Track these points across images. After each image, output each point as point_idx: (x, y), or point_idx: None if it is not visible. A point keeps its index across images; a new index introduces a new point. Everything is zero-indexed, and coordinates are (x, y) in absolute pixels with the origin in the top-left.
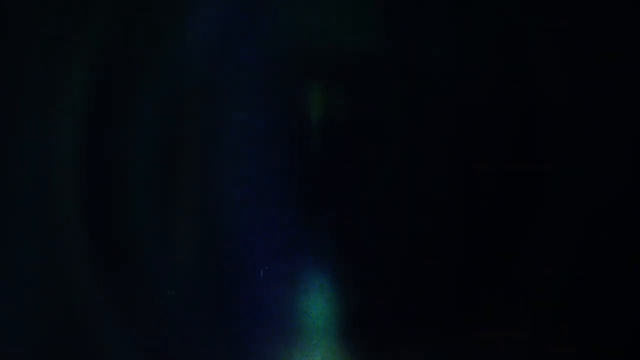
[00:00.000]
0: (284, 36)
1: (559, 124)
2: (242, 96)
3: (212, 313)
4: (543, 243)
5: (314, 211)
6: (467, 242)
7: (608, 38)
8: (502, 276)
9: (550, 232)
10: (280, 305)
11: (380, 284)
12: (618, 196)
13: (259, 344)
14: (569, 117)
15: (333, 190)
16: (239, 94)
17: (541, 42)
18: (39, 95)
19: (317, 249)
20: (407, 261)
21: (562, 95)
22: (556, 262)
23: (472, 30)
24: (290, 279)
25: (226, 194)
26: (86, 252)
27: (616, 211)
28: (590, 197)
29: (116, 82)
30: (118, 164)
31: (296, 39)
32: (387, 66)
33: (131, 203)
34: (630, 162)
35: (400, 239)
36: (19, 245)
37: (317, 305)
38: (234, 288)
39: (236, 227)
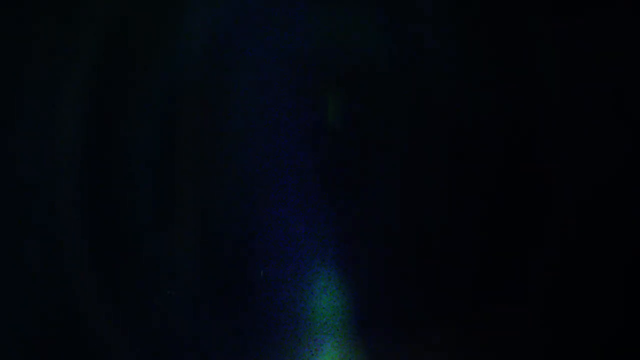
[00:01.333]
0: (293, 40)
1: (559, 123)
2: (245, 97)
3: (215, 313)
4: (544, 243)
5: (319, 211)
6: (470, 242)
7: (608, 38)
8: (504, 276)
9: (550, 232)
10: (285, 305)
11: (383, 284)
12: (618, 195)
13: (264, 343)
14: (569, 117)
15: (338, 191)
16: (242, 95)
17: (542, 43)
18: (39, 96)
19: (322, 249)
20: (410, 261)
21: (562, 95)
22: (557, 262)
23: (473, 33)
24: (294, 279)
25: (228, 195)
26: (87, 253)
27: (616, 210)
28: (590, 196)
29: (118, 82)
30: (119, 165)
31: (306, 43)
32: (392, 70)
33: (133, 203)
34: (630, 162)
35: (404, 240)
36: (20, 246)
37: (320, 304)
38: (238, 288)
39: (239, 228)
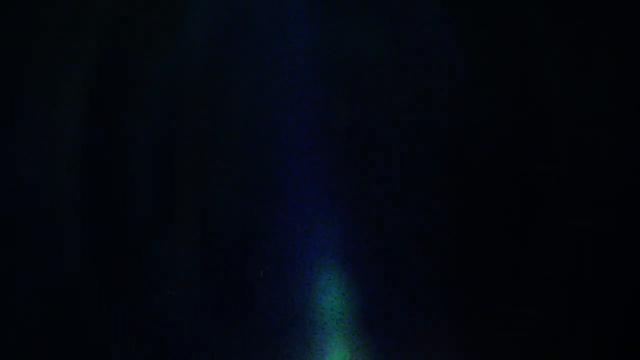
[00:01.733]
0: (294, 40)
1: (559, 124)
2: (246, 97)
3: (215, 314)
4: (544, 243)
5: (319, 211)
6: (471, 242)
7: (608, 38)
8: (505, 276)
9: (551, 232)
10: (285, 305)
11: (384, 284)
12: (618, 195)
13: (265, 344)
14: (569, 117)
15: (338, 191)
16: (243, 95)
17: (542, 43)
18: (39, 96)
19: (322, 249)
20: (410, 261)
21: (562, 95)
22: (557, 262)
23: (474, 33)
24: (294, 279)
25: (228, 195)
26: (87, 253)
27: (616, 210)
28: (590, 196)
29: (118, 82)
30: (119, 165)
31: (307, 43)
32: (392, 70)
33: (133, 203)
34: (631, 162)
35: (405, 240)
36: (20, 246)
37: (320, 305)
38: (238, 288)
39: (239, 228)
